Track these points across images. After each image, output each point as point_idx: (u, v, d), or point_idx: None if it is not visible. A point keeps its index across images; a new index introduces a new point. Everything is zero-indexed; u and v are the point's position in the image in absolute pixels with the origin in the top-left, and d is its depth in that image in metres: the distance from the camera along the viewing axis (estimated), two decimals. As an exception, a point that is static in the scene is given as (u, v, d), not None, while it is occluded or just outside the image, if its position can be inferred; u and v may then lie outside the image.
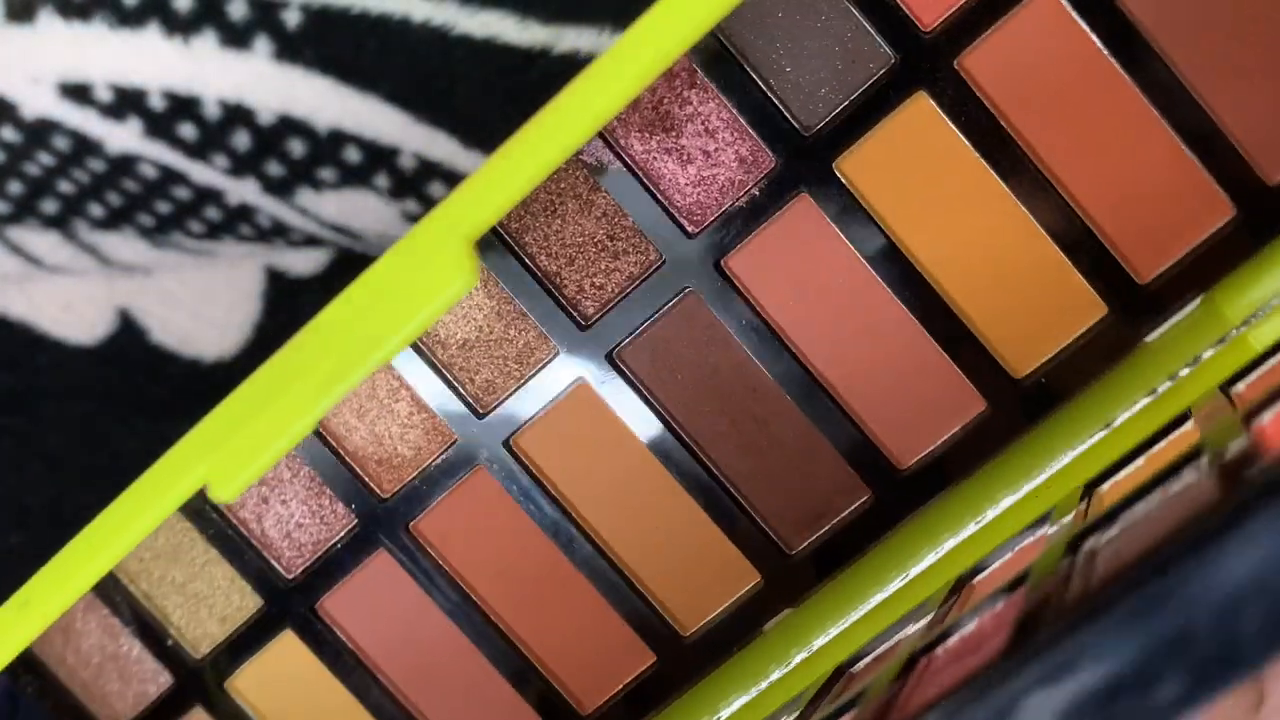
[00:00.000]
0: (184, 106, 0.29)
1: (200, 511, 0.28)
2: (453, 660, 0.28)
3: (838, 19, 0.24)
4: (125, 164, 0.30)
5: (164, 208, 0.30)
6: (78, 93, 0.30)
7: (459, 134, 0.29)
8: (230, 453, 0.20)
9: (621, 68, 0.19)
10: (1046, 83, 0.24)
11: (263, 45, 0.29)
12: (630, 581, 0.27)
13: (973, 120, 0.24)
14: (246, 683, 0.29)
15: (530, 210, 0.26)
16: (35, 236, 0.31)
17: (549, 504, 0.27)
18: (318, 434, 0.27)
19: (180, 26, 0.29)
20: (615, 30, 0.28)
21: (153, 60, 0.30)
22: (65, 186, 0.30)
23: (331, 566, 0.28)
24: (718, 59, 0.24)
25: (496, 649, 0.27)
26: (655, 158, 0.25)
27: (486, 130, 0.29)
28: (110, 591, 0.28)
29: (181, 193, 0.30)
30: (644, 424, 0.26)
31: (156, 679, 0.29)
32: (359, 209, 0.29)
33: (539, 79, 0.29)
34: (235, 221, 0.30)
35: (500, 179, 0.20)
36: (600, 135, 0.25)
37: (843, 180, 0.25)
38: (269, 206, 0.29)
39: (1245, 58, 0.23)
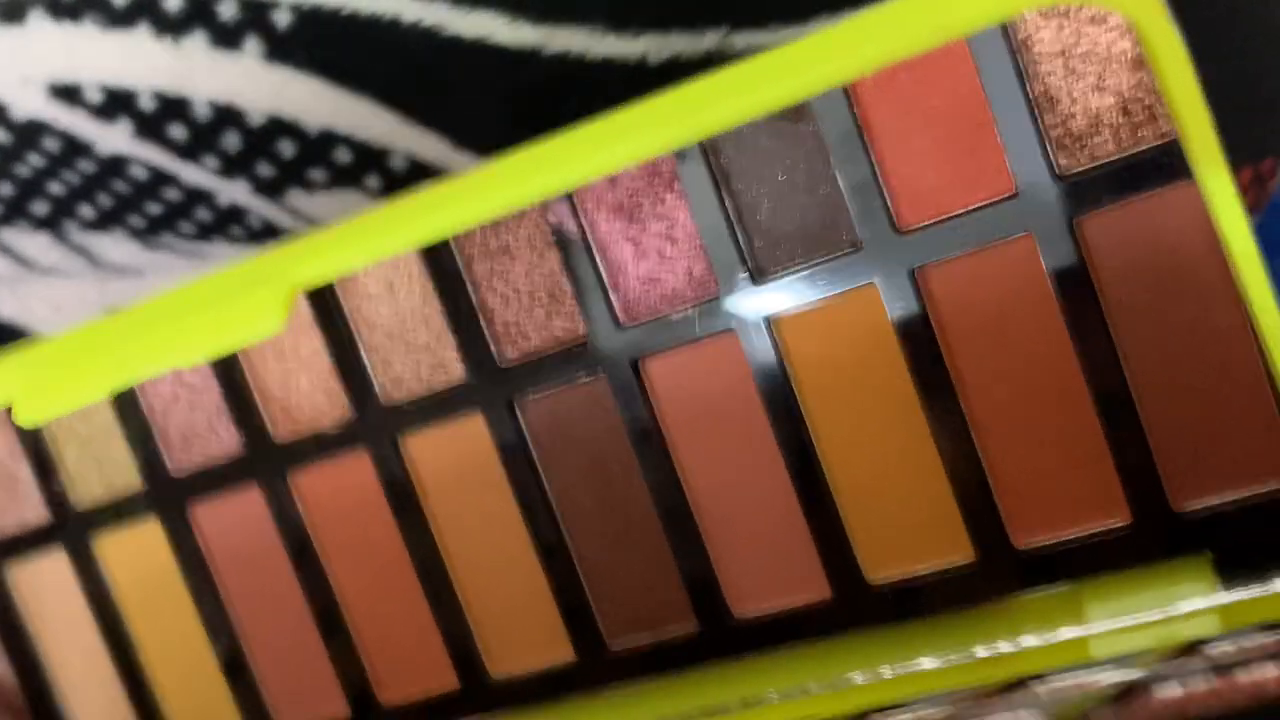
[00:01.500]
0: (174, 107, 0.30)
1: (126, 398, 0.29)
2: (285, 603, 0.29)
3: (825, 184, 0.24)
4: (116, 165, 0.30)
5: (155, 209, 0.31)
6: (68, 94, 0.30)
7: (450, 135, 0.29)
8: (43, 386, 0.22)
9: (495, 185, 0.19)
10: (998, 324, 0.23)
11: (253, 46, 0.29)
12: (460, 604, 0.27)
13: (915, 328, 0.24)
14: (111, 550, 0.30)
15: (488, 243, 0.26)
16: (26, 238, 0.32)
17: (413, 513, 0.27)
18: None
19: (170, 27, 0.29)
20: (607, 31, 0.28)
21: (143, 61, 0.30)
22: (56, 188, 0.31)
23: (213, 477, 0.29)
24: (700, 171, 0.24)
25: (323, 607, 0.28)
26: (615, 241, 0.25)
27: (477, 131, 0.29)
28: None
29: (172, 194, 0.30)
30: (520, 474, 0.26)
31: (38, 510, 0.30)
32: (350, 209, 0.29)
33: (530, 80, 0.29)
34: (226, 222, 0.30)
35: (353, 243, 0.20)
36: (570, 199, 0.25)
37: (774, 332, 0.24)
38: (260, 207, 0.30)
39: (1192, 373, 0.23)
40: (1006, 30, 0.22)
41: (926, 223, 0.23)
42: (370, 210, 0.21)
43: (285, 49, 0.29)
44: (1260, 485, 0.23)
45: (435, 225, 0.20)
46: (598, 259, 0.25)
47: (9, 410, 0.23)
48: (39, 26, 0.30)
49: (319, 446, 0.28)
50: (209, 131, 0.30)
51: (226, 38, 0.30)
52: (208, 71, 0.30)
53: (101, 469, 0.30)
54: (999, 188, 0.23)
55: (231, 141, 0.29)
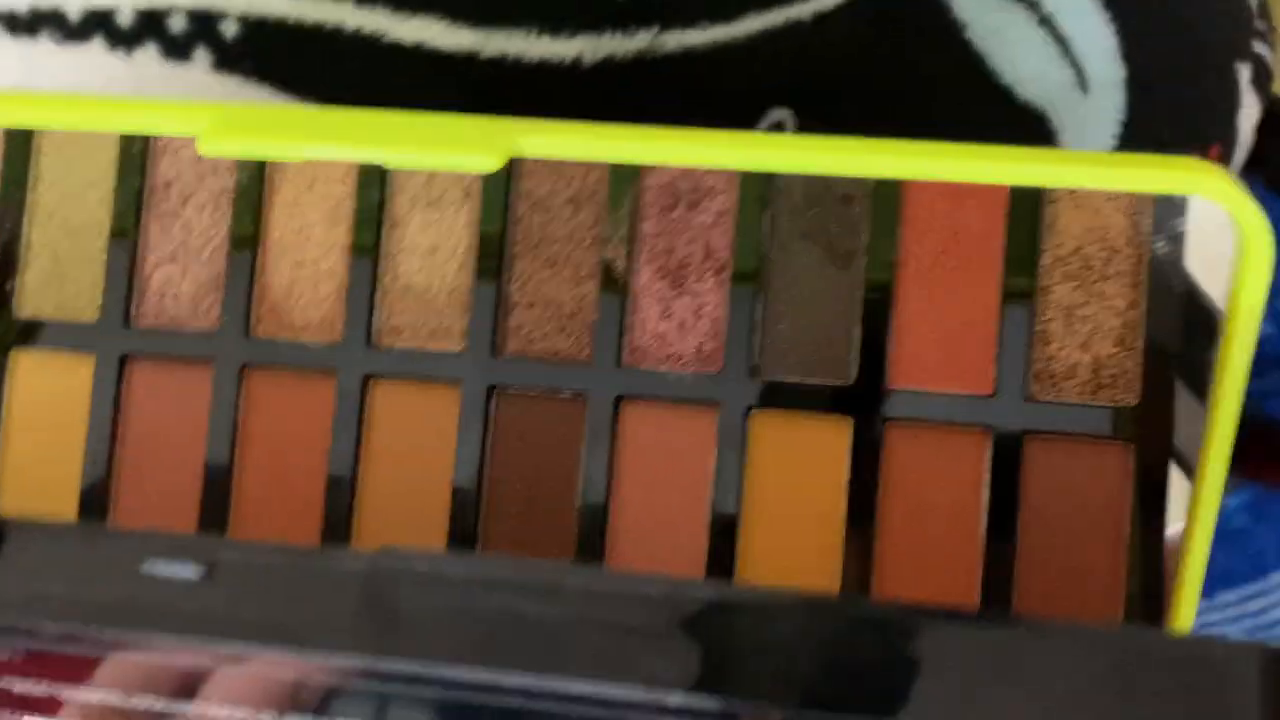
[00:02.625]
0: None
1: (124, 229, 0.30)
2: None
3: (844, 325, 0.28)
4: None
5: None
6: None
7: None
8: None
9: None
10: (929, 494, 0.27)
11: (202, 56, 0.31)
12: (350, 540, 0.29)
13: (863, 474, 0.27)
14: (26, 367, 0.30)
15: (539, 249, 0.29)
16: None
17: (349, 447, 0.29)
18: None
19: (123, 40, 0.32)
20: (542, 33, 0.31)
21: (98, 74, 0.32)
22: None
23: (171, 342, 0.30)
24: (750, 275, 0.28)
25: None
26: (648, 296, 0.28)
27: None
28: (10, 207, 0.30)
29: None
30: (467, 453, 0.29)
31: (-29, 301, 0.30)
32: None
33: (469, 82, 0.31)
34: None
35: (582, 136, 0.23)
36: (629, 243, 0.28)
37: (748, 423, 0.28)
38: None
39: (1065, 600, 0.27)
40: (1035, 271, 0.27)
41: (911, 388, 0.27)
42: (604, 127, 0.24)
43: (233, 58, 0.31)
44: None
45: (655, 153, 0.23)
46: (627, 302, 0.28)
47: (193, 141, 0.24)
48: None
49: (290, 356, 0.29)
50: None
51: (177, 49, 0.31)
52: (160, 82, 0.32)
53: (63, 288, 0.30)
54: (980, 386, 0.27)
55: None
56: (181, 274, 0.30)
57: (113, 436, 0.30)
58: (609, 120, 0.32)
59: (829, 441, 0.28)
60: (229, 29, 0.31)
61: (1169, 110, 0.36)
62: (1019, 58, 0.34)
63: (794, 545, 0.28)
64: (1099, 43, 0.34)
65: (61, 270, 0.30)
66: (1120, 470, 0.27)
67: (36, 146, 0.30)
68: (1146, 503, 0.27)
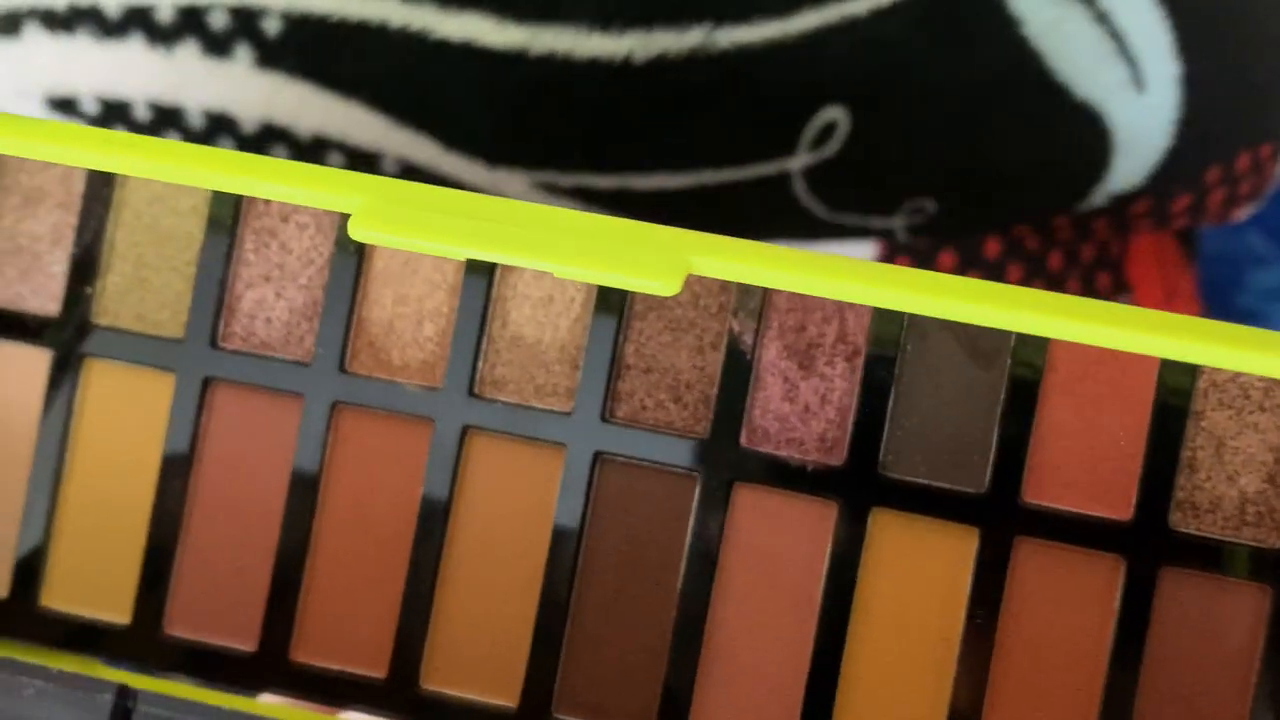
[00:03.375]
0: (169, 116, 0.31)
1: (218, 242, 0.28)
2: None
3: (980, 427, 0.26)
4: None
5: None
6: (65, 105, 0.31)
7: (440, 137, 0.30)
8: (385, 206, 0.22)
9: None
10: (1053, 621, 0.26)
11: (244, 53, 0.30)
12: (431, 601, 0.27)
13: (986, 589, 0.26)
14: (99, 379, 0.29)
15: (660, 311, 0.27)
16: None
17: (441, 500, 0.27)
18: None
19: (163, 37, 0.30)
20: (593, 30, 0.30)
21: (137, 72, 0.31)
22: None
23: (256, 368, 0.28)
24: (882, 359, 0.26)
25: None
26: (774, 375, 0.27)
27: (467, 133, 0.30)
28: (96, 204, 0.28)
29: None
30: (567, 519, 0.27)
31: (47, 303, 0.29)
32: None
33: (518, 80, 0.30)
34: None
35: (752, 259, 0.21)
36: (758, 318, 0.27)
37: (869, 523, 0.26)
38: None
39: (1184, 741, 0.26)
40: (1190, 394, 0.26)
41: (1045, 504, 0.26)
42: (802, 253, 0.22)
43: (275, 56, 0.30)
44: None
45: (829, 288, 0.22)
46: (752, 380, 0.27)
47: (346, 218, 0.23)
48: (34, 39, 0.31)
49: (385, 398, 0.28)
50: (203, 139, 0.30)
51: (218, 46, 0.30)
52: (200, 80, 0.31)
53: (145, 299, 0.28)
54: (1119, 511, 0.26)
55: (225, 148, 0.30)
56: (276, 297, 0.28)
57: (189, 461, 0.28)
58: (663, 119, 0.30)
59: (952, 551, 0.26)
60: (271, 26, 0.30)
61: (1223, 108, 0.35)
62: (1075, 54, 0.33)
63: (905, 657, 0.26)
64: (1155, 39, 0.34)
65: (145, 278, 0.28)
66: (1255, 613, 0.25)
67: (129, 142, 0.28)
68: (1277, 650, 0.25)
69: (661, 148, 0.33)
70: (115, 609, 0.28)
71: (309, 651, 0.28)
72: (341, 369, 0.28)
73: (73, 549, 0.29)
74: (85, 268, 0.28)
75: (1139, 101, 0.34)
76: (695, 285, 0.27)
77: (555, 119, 0.32)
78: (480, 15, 0.30)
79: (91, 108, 0.31)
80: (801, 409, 0.27)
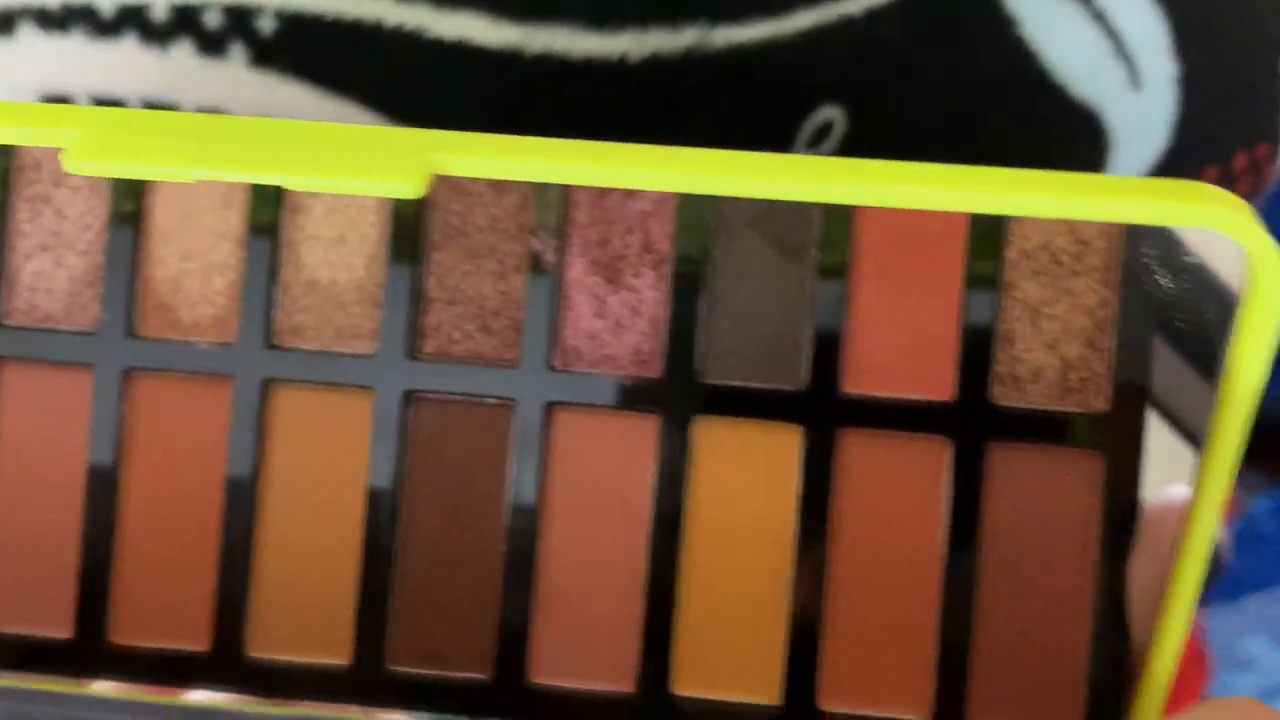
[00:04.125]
0: None
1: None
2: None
3: (795, 325, 0.26)
4: None
5: None
6: (59, 103, 0.31)
7: None
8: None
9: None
10: (888, 507, 0.25)
11: (238, 53, 0.30)
12: (249, 566, 0.26)
13: (817, 480, 0.25)
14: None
15: (459, 239, 0.26)
16: None
17: (248, 460, 0.26)
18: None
19: (157, 36, 0.30)
20: (588, 29, 0.30)
21: (131, 70, 0.31)
22: None
23: (43, 342, 0.27)
24: (689, 264, 0.26)
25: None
26: (581, 291, 0.26)
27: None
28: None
29: None
30: (381, 462, 0.26)
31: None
32: None
33: (513, 80, 0.30)
34: None
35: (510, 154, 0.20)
36: (560, 235, 0.26)
37: (691, 432, 0.26)
38: None
39: (1028, 619, 0.25)
40: (1000, 266, 0.25)
41: (866, 393, 0.25)
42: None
43: (270, 55, 0.30)
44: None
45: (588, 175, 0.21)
46: (558, 300, 0.26)
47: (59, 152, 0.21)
48: (29, 38, 0.30)
49: (180, 359, 0.26)
50: None
51: (212, 45, 0.30)
52: (195, 79, 0.31)
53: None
54: (940, 392, 0.25)
55: None
56: (55, 266, 0.27)
57: (-20, 445, 0.27)
58: (658, 119, 0.30)
59: (778, 450, 0.26)
60: (266, 25, 0.30)
61: (1220, 108, 0.35)
62: (1072, 54, 0.33)
63: (741, 559, 0.26)
64: (1152, 39, 0.34)
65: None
66: (1089, 480, 0.25)
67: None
68: (1114, 514, 0.25)
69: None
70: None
71: (128, 632, 0.26)
72: (130, 334, 0.26)
73: None
74: None
75: (1136, 101, 0.34)
76: (494, 208, 0.26)
77: (549, 118, 0.31)
78: (474, 15, 0.30)
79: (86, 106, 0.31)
80: (613, 324, 0.26)
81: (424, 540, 0.26)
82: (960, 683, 0.25)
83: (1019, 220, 0.25)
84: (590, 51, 0.30)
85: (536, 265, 0.26)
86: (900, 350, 0.25)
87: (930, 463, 0.25)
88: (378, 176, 0.20)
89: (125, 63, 0.30)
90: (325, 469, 0.26)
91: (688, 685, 0.26)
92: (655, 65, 0.31)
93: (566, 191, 0.26)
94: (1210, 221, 0.21)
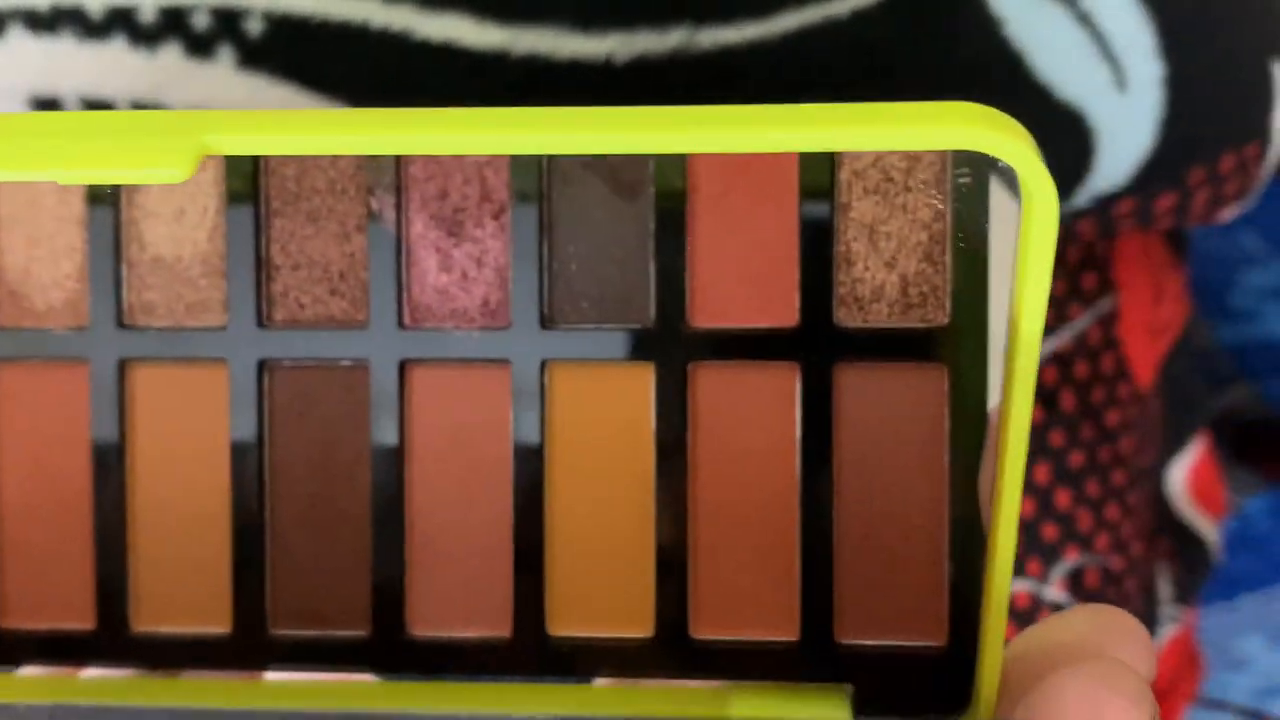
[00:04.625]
0: None
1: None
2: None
3: (636, 261, 0.26)
4: None
5: None
6: (48, 106, 0.31)
7: None
8: None
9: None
10: (743, 436, 0.26)
11: (226, 54, 0.30)
12: (125, 544, 0.26)
13: (672, 417, 0.26)
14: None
15: (298, 203, 0.26)
16: None
17: (112, 441, 0.26)
18: None
19: (145, 38, 0.30)
20: (574, 31, 0.30)
21: (120, 72, 0.31)
22: None
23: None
24: (530, 212, 0.26)
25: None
26: (425, 247, 0.26)
27: None
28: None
29: None
30: (242, 433, 0.26)
31: None
32: None
33: (499, 81, 0.30)
34: None
35: (282, 128, 0.20)
36: (397, 192, 0.26)
37: (545, 377, 0.26)
38: None
39: (886, 530, 0.26)
40: (833, 188, 0.25)
41: (713, 325, 0.26)
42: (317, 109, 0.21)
43: (258, 57, 0.31)
44: (911, 640, 0.26)
45: (373, 142, 0.21)
46: (403, 257, 0.26)
47: None
48: (18, 40, 0.31)
49: (36, 346, 0.26)
50: None
51: (200, 47, 0.31)
52: (183, 81, 0.31)
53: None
54: (785, 318, 0.26)
55: None
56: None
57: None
58: None
59: (632, 390, 0.26)
60: (253, 27, 0.30)
61: (1207, 109, 0.35)
62: (1057, 55, 0.33)
63: (604, 500, 0.26)
64: (1137, 40, 0.34)
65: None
66: (935, 393, 0.25)
67: None
68: (962, 424, 0.25)
69: None
70: None
71: (13, 616, 0.27)
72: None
73: None
74: None
75: (1121, 102, 0.34)
76: (330, 170, 0.26)
77: None
78: (461, 16, 0.30)
79: (75, 107, 0.31)
80: (459, 277, 0.26)
81: (293, 504, 0.26)
82: (826, 601, 0.26)
83: (849, 141, 0.25)
84: (576, 53, 0.30)
85: (376, 224, 0.26)
86: (743, 280, 0.26)
87: (781, 389, 0.26)
88: (144, 164, 0.20)
89: (114, 64, 0.31)
90: (189, 443, 0.26)
91: (563, 625, 0.26)
92: (641, 66, 0.31)
93: (400, 148, 0.26)
94: (981, 144, 0.21)
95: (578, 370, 0.26)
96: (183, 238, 0.26)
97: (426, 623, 0.26)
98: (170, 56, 0.30)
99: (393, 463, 0.26)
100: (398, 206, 0.26)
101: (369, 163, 0.26)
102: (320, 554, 0.26)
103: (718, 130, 0.22)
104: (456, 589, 0.26)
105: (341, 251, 0.26)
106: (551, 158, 0.26)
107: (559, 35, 0.30)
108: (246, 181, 0.26)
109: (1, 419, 0.27)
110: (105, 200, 0.26)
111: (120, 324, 0.26)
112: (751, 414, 0.26)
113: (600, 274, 0.26)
